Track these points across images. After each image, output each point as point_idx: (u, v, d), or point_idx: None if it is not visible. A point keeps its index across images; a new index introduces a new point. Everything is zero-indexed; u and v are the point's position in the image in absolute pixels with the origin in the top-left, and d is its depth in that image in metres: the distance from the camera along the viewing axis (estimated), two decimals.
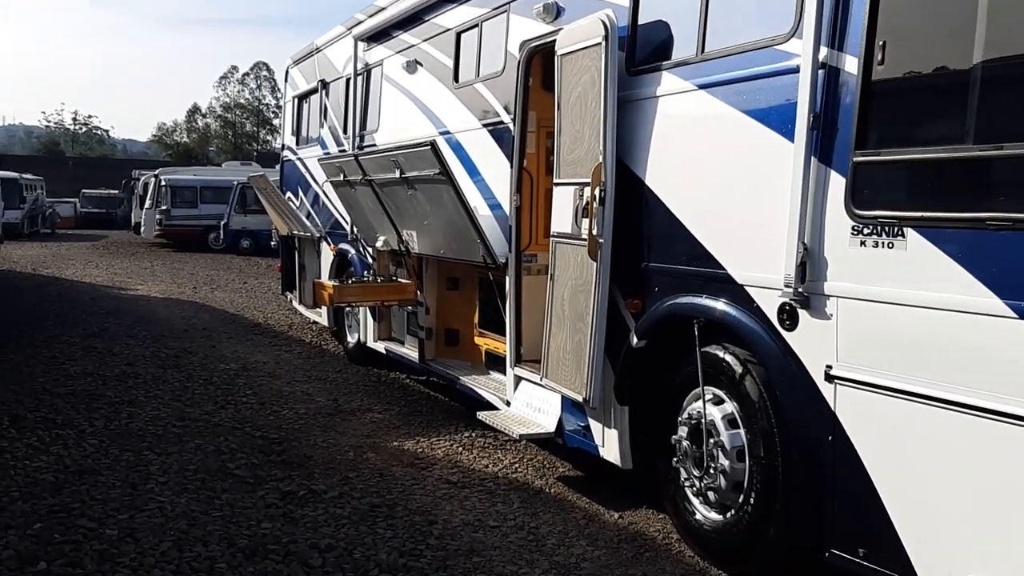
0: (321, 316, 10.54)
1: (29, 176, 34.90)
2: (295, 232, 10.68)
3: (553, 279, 5.24)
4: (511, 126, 6.00)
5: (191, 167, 38.44)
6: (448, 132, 7.00)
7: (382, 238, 7.81)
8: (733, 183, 4.10)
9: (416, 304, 7.65)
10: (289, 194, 11.41)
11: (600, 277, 4.70)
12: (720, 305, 4.12)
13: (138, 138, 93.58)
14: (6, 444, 5.79)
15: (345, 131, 9.26)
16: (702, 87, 4.28)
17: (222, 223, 26.56)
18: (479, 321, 7.11)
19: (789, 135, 3.73)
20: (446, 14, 7.12)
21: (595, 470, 5.52)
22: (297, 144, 11.47)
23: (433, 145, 5.94)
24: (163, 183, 27.93)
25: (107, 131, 75.21)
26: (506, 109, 6.12)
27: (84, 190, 43.40)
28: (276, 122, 69.30)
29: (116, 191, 42.72)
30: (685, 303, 4.34)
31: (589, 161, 4.81)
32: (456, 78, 6.95)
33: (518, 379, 6.00)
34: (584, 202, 4.81)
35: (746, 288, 3.99)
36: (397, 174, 6.58)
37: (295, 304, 11.45)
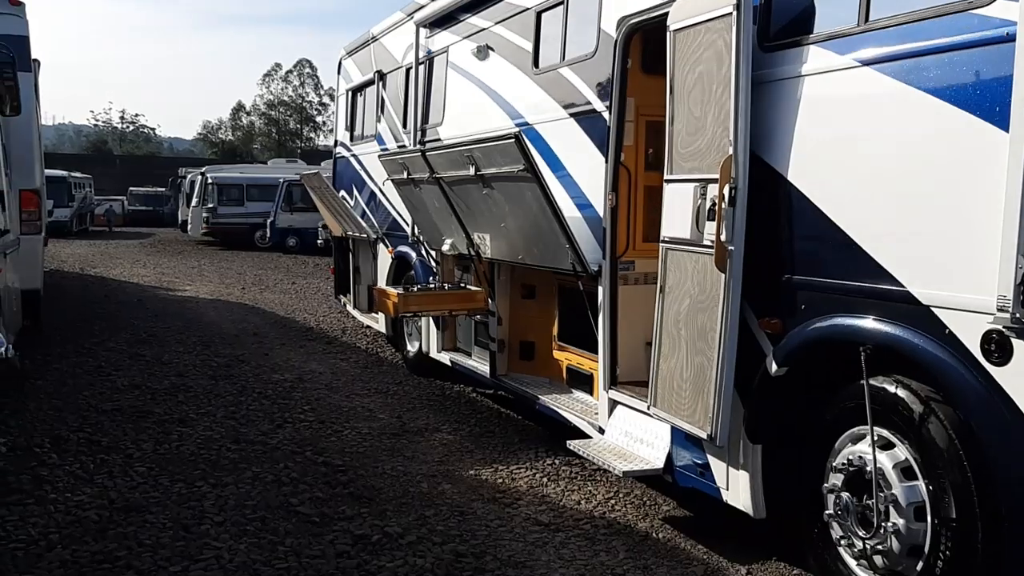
0: (377, 322, 9.93)
1: (77, 174, 34.97)
2: (349, 233, 10.07)
3: (664, 291, 4.51)
4: (605, 115, 5.28)
5: (237, 164, 38.41)
6: (526, 123, 6.29)
7: (448, 241, 7.14)
8: (915, 180, 3.33)
9: (487, 313, 6.98)
10: (343, 192, 10.79)
11: (730, 291, 3.96)
12: (895, 330, 3.36)
13: (184, 136, 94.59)
14: (46, 472, 5.24)
15: (405, 125, 8.61)
16: (866, 63, 3.51)
17: (268, 221, 26.18)
18: (558, 334, 6.41)
19: (998, 120, 2.97)
20: None
21: (706, 510, 4.79)
22: (351, 140, 10.85)
23: (517, 138, 5.24)
24: (209, 181, 27.79)
25: (154, 129, 76.24)
26: (599, 96, 5.40)
27: (131, 188, 43.57)
28: (319, 119, 69.39)
29: (163, 189, 42.84)
30: (845, 325, 3.58)
31: (713, 153, 4.07)
32: (536, 63, 6.24)
33: (613, 403, 5.29)
34: (708, 202, 4.07)
35: (933, 310, 3.23)
36: (471, 171, 5.89)
37: (349, 308, 10.87)
